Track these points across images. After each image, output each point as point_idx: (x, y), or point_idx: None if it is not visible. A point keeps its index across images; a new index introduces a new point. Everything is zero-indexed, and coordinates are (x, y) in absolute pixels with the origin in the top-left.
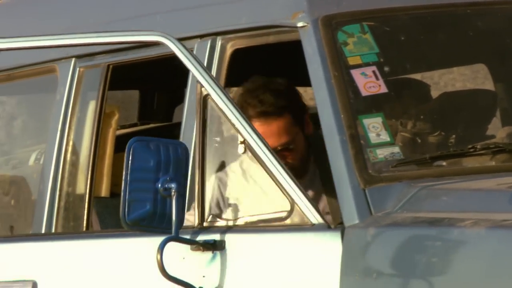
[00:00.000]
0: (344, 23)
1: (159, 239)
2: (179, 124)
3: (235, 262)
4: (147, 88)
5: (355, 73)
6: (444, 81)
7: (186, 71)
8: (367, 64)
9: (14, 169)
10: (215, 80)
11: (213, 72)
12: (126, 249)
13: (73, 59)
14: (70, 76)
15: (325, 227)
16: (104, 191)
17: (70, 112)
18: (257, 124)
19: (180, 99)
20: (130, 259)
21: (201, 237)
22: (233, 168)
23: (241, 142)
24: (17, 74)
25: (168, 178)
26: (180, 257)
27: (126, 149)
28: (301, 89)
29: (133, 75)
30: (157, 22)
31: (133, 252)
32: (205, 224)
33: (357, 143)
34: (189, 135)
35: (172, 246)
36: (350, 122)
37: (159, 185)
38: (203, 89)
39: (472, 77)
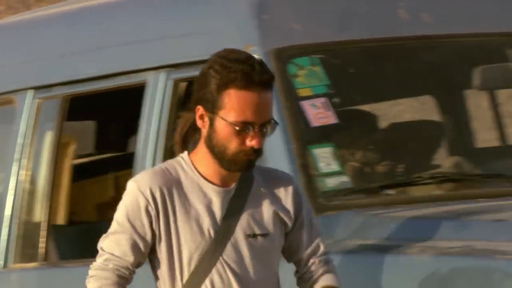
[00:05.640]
0: (294, 56)
1: None
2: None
3: None
4: (103, 118)
5: (306, 104)
6: (393, 112)
7: (138, 103)
8: (318, 96)
9: None
10: None
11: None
12: None
13: (32, 91)
14: (29, 107)
15: None
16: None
17: (30, 143)
18: (247, 93)
19: (135, 129)
20: None
21: None
22: None
23: None
24: None
25: None
26: None
27: None
28: None
29: (91, 106)
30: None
31: None
32: None
33: (307, 172)
34: (142, 165)
35: None
36: (301, 151)
37: None
38: None
39: (420, 109)
